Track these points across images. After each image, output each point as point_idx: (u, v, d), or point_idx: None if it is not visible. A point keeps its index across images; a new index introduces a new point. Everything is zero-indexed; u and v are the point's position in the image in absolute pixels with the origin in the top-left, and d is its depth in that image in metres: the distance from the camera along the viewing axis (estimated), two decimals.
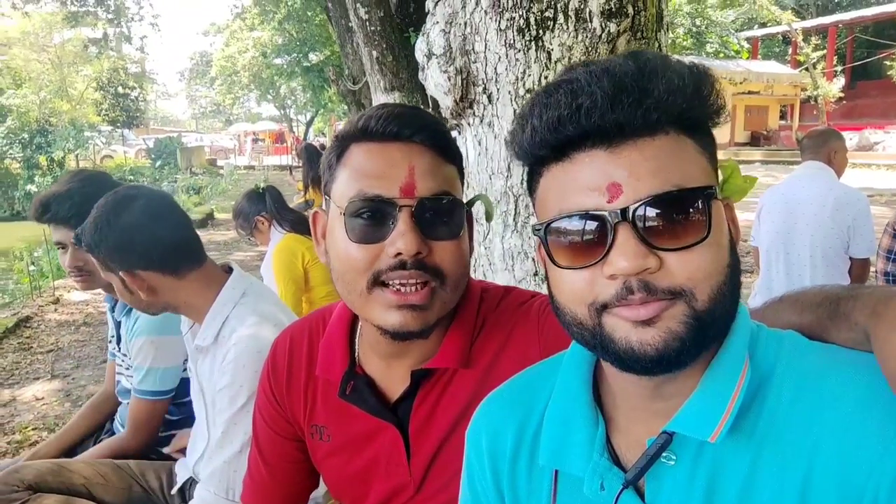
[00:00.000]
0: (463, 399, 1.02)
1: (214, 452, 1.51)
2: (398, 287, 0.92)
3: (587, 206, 0.65)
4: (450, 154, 0.99)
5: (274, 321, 1.58)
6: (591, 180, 0.65)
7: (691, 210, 0.64)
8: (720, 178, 0.73)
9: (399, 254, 0.89)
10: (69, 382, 4.68)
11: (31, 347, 5.51)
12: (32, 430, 3.87)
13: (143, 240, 1.52)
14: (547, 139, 0.67)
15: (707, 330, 0.64)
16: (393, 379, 1.07)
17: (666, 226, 0.63)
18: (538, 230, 0.70)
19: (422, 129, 0.94)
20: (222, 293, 1.61)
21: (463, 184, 1.03)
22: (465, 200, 1.01)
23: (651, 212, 0.63)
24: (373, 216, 0.91)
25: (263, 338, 1.50)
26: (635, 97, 0.62)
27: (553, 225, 0.68)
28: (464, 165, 2.22)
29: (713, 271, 0.64)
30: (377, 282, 0.92)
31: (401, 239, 0.89)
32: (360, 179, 0.92)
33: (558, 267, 0.69)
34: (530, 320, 1.03)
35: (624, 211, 0.63)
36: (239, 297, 1.62)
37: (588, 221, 0.65)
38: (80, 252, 1.95)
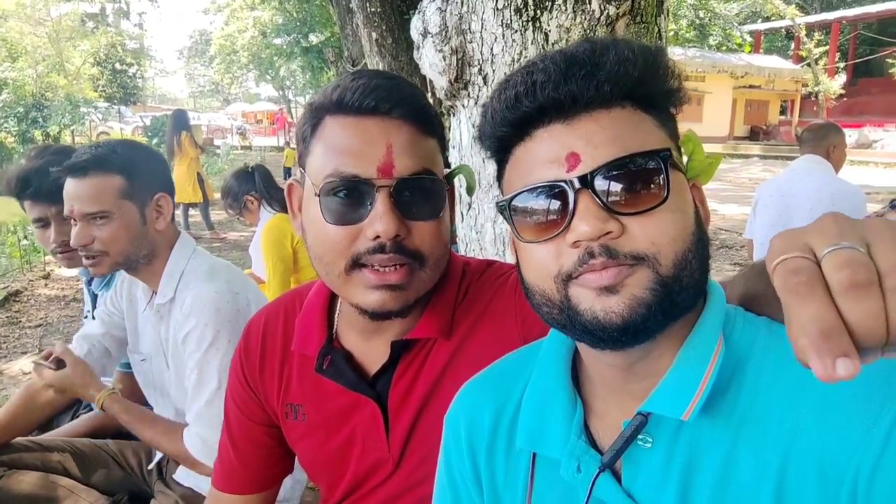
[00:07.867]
0: (438, 369, 1.01)
1: (195, 395, 1.56)
2: (377, 267, 0.89)
3: (547, 177, 0.66)
4: (430, 127, 0.94)
5: (224, 269, 1.72)
6: (551, 153, 0.66)
7: (649, 174, 0.64)
8: (684, 158, 0.73)
9: (378, 236, 0.87)
10: None
11: (20, 322, 5.48)
12: None
13: None
14: (506, 117, 0.69)
15: (674, 297, 0.63)
16: (372, 353, 1.05)
17: (625, 190, 0.64)
18: (502, 207, 0.71)
19: (400, 102, 0.89)
20: (174, 251, 1.69)
21: (445, 155, 0.99)
22: (447, 171, 0.98)
23: (610, 177, 0.64)
24: (349, 196, 0.88)
25: (218, 280, 1.63)
26: (587, 70, 0.65)
27: (516, 200, 0.69)
28: (458, 148, 2.20)
29: (676, 237, 0.64)
30: (356, 264, 0.90)
31: (379, 221, 0.86)
32: (336, 157, 0.88)
33: (524, 242, 0.69)
34: (507, 291, 1.02)
35: (583, 178, 0.64)
36: (190, 253, 1.71)
37: (549, 192, 0.66)
38: (64, 226, 1.92)
